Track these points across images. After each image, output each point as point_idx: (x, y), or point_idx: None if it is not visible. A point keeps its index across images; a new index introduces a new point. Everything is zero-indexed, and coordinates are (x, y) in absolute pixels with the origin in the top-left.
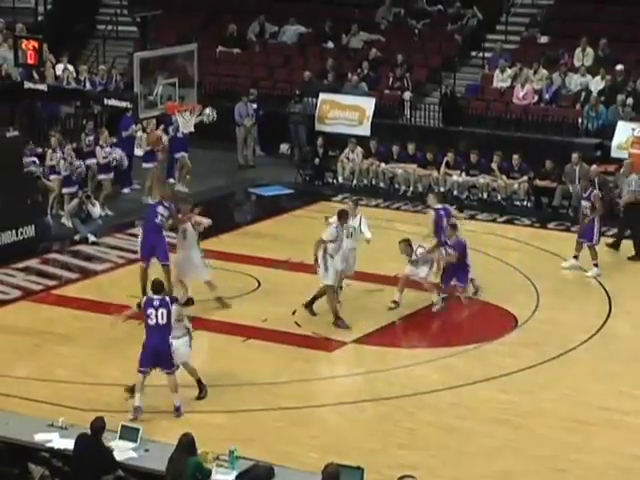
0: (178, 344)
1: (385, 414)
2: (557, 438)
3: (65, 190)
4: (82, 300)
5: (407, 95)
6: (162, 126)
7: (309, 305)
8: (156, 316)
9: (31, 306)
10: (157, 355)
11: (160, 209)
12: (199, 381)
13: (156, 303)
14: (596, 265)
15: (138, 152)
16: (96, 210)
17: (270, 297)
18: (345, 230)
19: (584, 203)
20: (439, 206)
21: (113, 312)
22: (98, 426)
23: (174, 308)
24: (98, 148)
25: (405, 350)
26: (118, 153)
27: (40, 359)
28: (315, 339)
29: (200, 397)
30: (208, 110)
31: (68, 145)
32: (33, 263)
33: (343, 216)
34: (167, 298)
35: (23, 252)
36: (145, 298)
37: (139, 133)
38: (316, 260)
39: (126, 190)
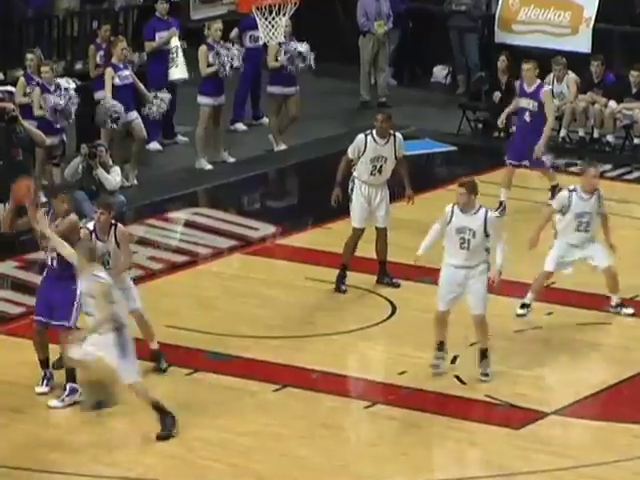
0: None
1: None
2: None
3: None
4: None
5: None
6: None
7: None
8: None
9: (2, 341)
10: None
11: None
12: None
13: None
14: None
15: (175, 75)
16: (112, 178)
17: (411, 333)
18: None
19: None
20: None
21: None
22: None
23: None
24: (109, 69)
25: None
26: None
27: None
28: (491, 406)
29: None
30: None
31: (48, 64)
32: (7, 268)
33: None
34: None
35: None
36: None
37: (174, 43)
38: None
39: (155, 145)
